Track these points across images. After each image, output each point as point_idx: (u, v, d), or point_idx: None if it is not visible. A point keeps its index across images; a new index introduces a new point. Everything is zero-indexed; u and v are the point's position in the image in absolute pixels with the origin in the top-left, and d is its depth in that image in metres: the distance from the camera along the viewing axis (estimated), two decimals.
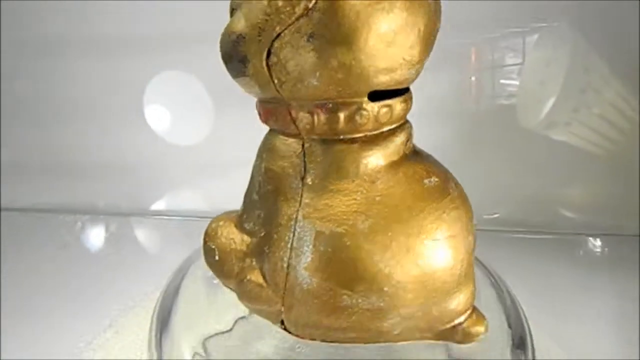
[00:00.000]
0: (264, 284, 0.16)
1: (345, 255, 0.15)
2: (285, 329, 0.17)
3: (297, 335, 0.17)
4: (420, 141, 0.43)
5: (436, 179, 0.16)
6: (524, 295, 0.28)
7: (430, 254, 0.15)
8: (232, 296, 0.18)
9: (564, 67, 0.44)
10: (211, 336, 0.21)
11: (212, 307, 0.22)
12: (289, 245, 0.16)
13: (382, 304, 0.15)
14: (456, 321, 0.16)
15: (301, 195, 0.16)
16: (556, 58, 0.44)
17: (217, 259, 0.18)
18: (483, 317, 0.16)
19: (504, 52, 0.43)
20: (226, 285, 0.18)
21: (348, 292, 0.15)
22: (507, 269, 0.31)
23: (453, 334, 0.16)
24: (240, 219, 0.18)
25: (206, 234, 0.19)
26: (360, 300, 0.15)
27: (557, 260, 0.38)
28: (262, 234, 0.17)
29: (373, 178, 0.15)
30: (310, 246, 0.15)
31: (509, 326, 0.20)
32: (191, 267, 0.24)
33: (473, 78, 0.43)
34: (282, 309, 0.16)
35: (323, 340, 0.16)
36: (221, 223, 0.18)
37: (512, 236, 0.42)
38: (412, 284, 0.15)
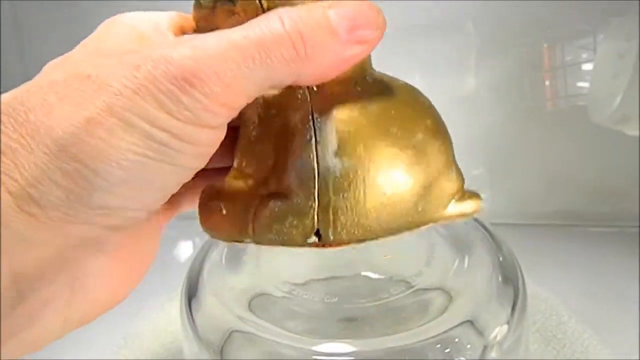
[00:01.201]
0: (292, 197, 0.16)
1: (370, 121, 0.16)
2: (320, 240, 0.16)
3: (335, 244, 0.16)
4: (488, 138, 0.45)
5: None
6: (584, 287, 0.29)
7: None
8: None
9: (637, 59, 0.42)
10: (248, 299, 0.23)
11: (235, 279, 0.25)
12: (312, 141, 0.16)
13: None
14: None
15: (310, 97, 0.16)
16: (629, 50, 0.43)
17: (224, 213, 0.17)
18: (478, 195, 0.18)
19: (575, 47, 0.43)
20: (238, 241, 0.17)
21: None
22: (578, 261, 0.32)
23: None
24: (236, 172, 0.18)
25: (204, 194, 0.18)
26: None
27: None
28: (272, 161, 0.17)
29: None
30: (334, 132, 0.16)
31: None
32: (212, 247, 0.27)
33: (546, 75, 0.44)
34: (317, 215, 0.16)
35: (363, 240, 0.16)
36: (217, 184, 0.18)
37: (588, 230, 0.42)
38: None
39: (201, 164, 0.15)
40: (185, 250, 0.45)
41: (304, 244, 0.16)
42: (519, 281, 0.22)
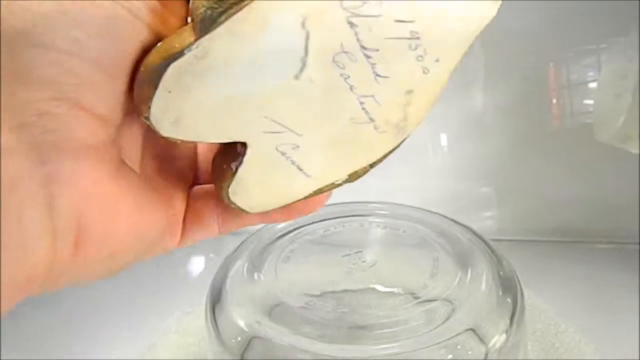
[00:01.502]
0: None
1: None
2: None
3: None
4: (495, 156, 0.46)
5: None
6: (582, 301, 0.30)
7: None
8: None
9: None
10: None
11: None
12: None
13: None
14: None
15: None
16: (632, 70, 0.44)
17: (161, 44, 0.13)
18: None
19: (580, 67, 0.44)
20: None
21: None
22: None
23: None
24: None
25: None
26: None
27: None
28: None
29: None
30: None
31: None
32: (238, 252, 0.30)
33: (552, 94, 0.45)
34: None
35: None
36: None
37: (590, 246, 0.43)
38: None
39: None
40: (198, 265, 0.47)
41: None
42: (518, 293, 0.24)
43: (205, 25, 0.13)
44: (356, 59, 0.14)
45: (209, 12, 0.13)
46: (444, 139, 0.47)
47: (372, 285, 0.26)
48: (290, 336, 0.23)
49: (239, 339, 0.24)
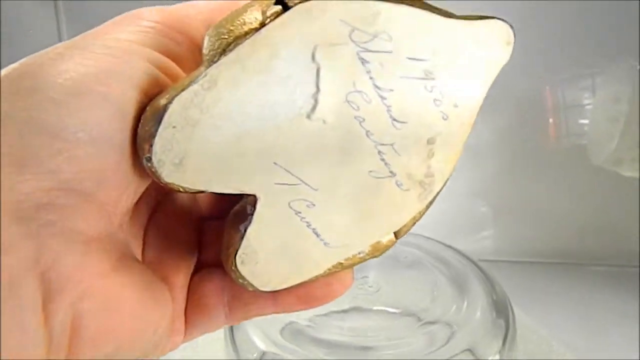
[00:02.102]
0: None
1: None
2: None
3: None
4: (492, 177, 0.48)
5: None
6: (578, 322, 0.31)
7: None
8: None
9: (633, 103, 0.46)
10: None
11: None
12: None
13: None
14: None
15: None
16: (625, 94, 0.46)
17: None
18: None
19: (575, 91, 0.46)
20: None
21: None
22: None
23: None
24: None
25: None
26: None
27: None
28: None
29: None
30: None
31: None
32: None
33: (548, 116, 0.47)
34: None
35: None
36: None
37: (588, 268, 0.44)
38: None
39: None
40: None
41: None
42: (510, 316, 0.26)
43: (214, 56, 0.12)
44: (370, 100, 0.13)
45: (217, 42, 0.12)
46: None
47: (377, 308, 0.29)
48: (300, 352, 0.26)
49: (254, 354, 0.27)
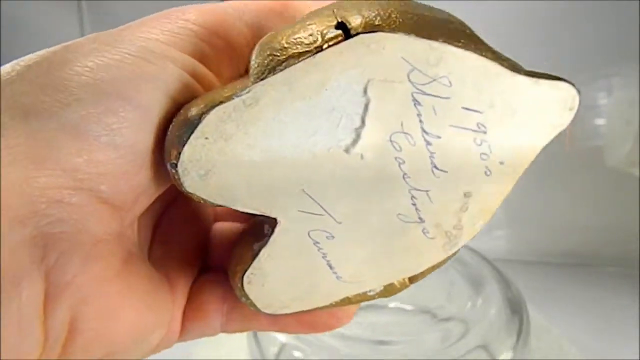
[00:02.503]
0: None
1: None
2: None
3: None
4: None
5: None
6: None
7: None
8: None
9: None
10: None
11: None
12: None
13: None
14: None
15: None
16: None
17: None
18: None
19: (593, 93, 0.46)
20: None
21: None
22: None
23: None
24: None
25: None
26: None
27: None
28: None
29: None
30: None
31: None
32: None
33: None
34: None
35: None
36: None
37: (604, 270, 0.44)
38: None
39: None
40: None
41: None
42: (524, 314, 0.27)
43: (263, 72, 0.12)
44: (415, 143, 0.13)
45: (269, 59, 0.12)
46: None
47: (393, 305, 0.30)
48: (318, 344, 0.27)
49: (276, 347, 0.28)
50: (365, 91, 0.12)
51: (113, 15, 0.45)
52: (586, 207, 0.46)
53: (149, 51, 0.12)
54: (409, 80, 0.12)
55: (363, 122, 0.12)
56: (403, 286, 0.15)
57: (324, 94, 0.12)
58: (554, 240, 0.46)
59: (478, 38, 0.13)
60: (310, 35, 0.12)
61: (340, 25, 0.12)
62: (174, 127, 0.12)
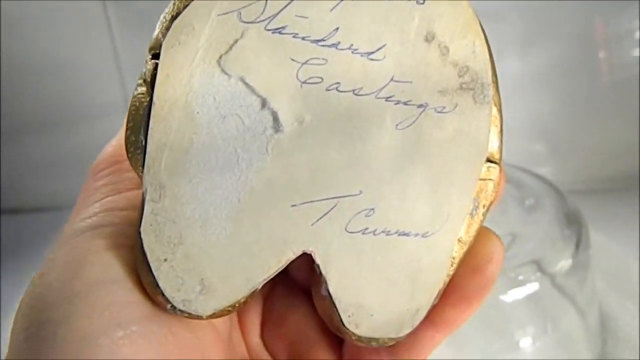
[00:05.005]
0: None
1: None
2: None
3: None
4: (545, 114, 0.46)
5: None
6: None
7: None
8: None
9: None
10: None
11: None
12: None
13: None
14: None
15: None
16: None
17: None
18: None
19: (624, 18, 0.43)
20: None
21: None
22: None
23: None
24: None
25: None
26: None
27: None
28: None
29: None
30: None
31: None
32: None
33: (599, 49, 0.45)
34: None
35: None
36: None
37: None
38: None
39: None
40: None
41: None
42: (582, 226, 0.25)
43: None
44: (327, 57, 0.11)
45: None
46: None
47: None
48: None
49: None
50: (224, 71, 0.10)
51: (139, 12, 0.44)
52: (631, 132, 0.44)
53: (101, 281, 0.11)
54: (245, 22, 0.10)
55: (258, 95, 0.11)
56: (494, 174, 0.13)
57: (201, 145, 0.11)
58: (599, 169, 0.44)
59: None
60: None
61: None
62: (141, 276, 0.11)
